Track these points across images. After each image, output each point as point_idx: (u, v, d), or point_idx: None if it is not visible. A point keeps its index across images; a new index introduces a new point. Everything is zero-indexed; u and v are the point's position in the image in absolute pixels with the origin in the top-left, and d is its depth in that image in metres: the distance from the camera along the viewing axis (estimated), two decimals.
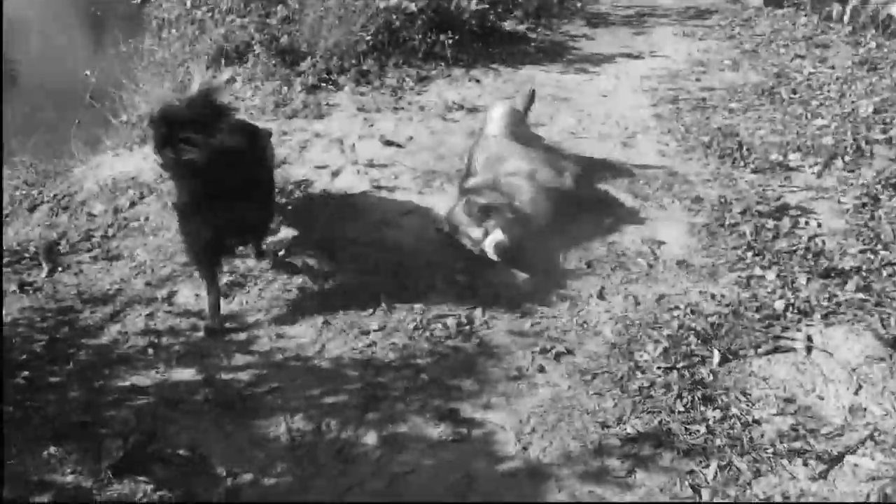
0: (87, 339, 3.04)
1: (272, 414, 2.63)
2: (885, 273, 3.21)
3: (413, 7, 6.03)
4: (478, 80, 5.77)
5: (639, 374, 2.74)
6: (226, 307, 3.19)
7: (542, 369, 2.81)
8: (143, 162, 4.55)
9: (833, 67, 5.61)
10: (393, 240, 3.63)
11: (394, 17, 6.06)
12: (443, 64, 6.00)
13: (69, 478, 2.37)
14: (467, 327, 3.04)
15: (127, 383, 2.79)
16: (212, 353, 2.93)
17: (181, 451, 2.47)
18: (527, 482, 2.36)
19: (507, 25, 7.00)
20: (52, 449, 2.45)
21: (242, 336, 3.03)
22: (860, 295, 3.06)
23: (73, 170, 4.56)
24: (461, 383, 2.76)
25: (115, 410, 2.65)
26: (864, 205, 3.72)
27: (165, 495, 2.31)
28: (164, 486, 2.34)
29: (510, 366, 2.83)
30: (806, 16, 6.88)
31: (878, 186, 3.82)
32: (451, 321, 3.06)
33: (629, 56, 6.32)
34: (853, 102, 4.89)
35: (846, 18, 6.27)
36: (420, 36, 6.09)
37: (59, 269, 3.52)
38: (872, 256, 3.32)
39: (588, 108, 5.19)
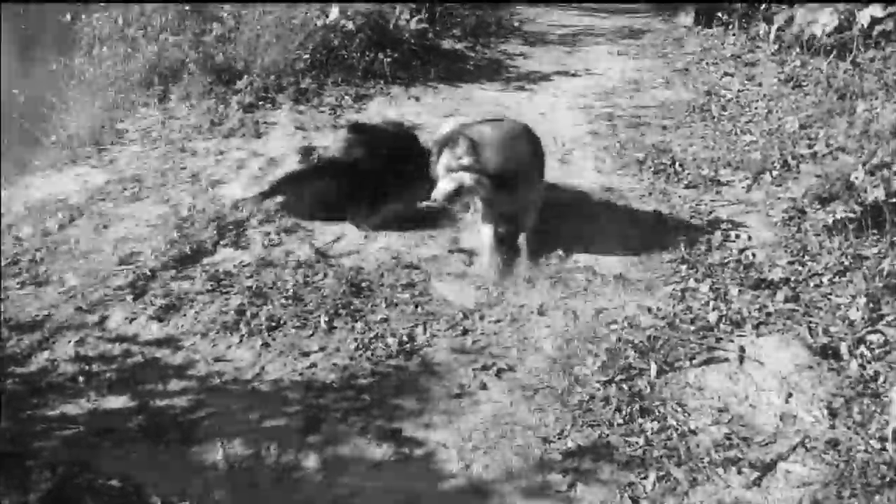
0: (14, 367, 2.93)
1: (209, 440, 2.56)
2: (812, 284, 3.32)
3: (351, 25, 6.04)
4: (417, 98, 5.80)
5: (579, 389, 2.76)
6: (161, 330, 3.12)
7: (483, 386, 2.82)
8: (72, 183, 4.43)
9: (760, 85, 5.82)
10: (334, 259, 3.60)
11: (332, 35, 6.06)
12: (382, 82, 6.02)
13: None
14: (409, 346, 3.03)
15: (56, 412, 2.69)
16: (145, 380, 2.85)
17: (113, 482, 2.39)
18: (470, 500, 2.35)
19: (446, 44, 7.09)
20: None
21: (178, 360, 2.96)
22: (789, 305, 3.16)
23: (0, 192, 4.41)
24: (403, 402, 2.74)
25: (44, 440, 2.55)
26: (791, 218, 3.85)
27: None
28: None
29: (452, 383, 2.83)
30: (734, 35, 7.11)
31: (805, 200, 3.96)
32: (392, 340, 3.04)
33: (566, 74, 6.44)
34: (780, 119, 5.08)
35: (772, 37, 6.50)
36: (359, 54, 6.11)
37: None
38: (800, 268, 3.44)
39: None
